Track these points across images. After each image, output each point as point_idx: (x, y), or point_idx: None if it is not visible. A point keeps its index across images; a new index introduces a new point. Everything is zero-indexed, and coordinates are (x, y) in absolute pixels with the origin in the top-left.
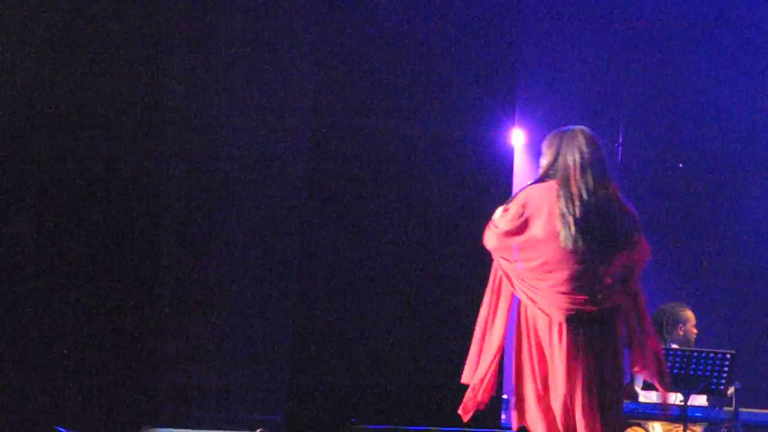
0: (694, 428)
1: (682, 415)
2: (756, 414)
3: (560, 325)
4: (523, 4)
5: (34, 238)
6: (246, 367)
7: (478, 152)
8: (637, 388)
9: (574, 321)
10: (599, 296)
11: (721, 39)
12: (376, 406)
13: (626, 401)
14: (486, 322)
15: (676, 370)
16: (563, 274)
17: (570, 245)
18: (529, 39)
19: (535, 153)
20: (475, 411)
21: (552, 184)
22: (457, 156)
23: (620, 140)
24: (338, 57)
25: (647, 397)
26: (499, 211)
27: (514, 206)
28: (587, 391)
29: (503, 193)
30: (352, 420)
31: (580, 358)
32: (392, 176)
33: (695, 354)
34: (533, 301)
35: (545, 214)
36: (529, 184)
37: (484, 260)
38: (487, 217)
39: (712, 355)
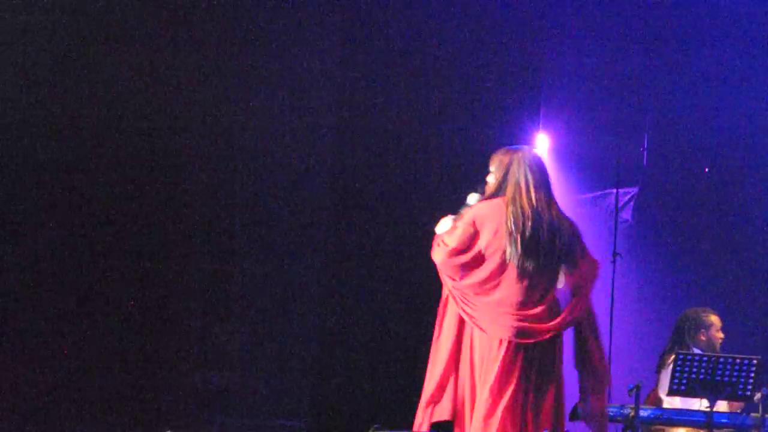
0: None
1: (707, 421)
2: None
3: (500, 342)
4: (549, 10)
5: (60, 244)
6: (269, 372)
7: None
8: (662, 395)
9: (519, 337)
10: (546, 314)
11: (749, 41)
12: (401, 412)
13: (650, 407)
14: (435, 340)
15: (702, 376)
16: (508, 290)
17: (516, 262)
18: (554, 44)
19: (561, 158)
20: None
21: (500, 202)
22: (482, 160)
23: (645, 145)
24: (364, 62)
25: (671, 403)
26: (445, 223)
27: (462, 224)
28: (511, 409)
29: None
30: (376, 426)
31: (514, 376)
32: (418, 182)
33: (721, 360)
34: (471, 317)
35: (492, 231)
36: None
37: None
38: None
39: (738, 360)
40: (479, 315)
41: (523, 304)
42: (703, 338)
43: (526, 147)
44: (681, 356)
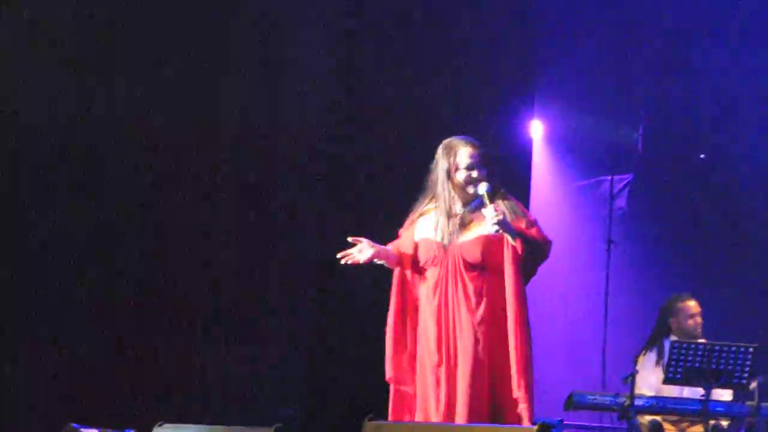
0: (720, 422)
1: (703, 409)
2: None
3: None
4: None
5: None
6: (263, 362)
7: (496, 144)
8: (643, 388)
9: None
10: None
11: (744, 28)
12: None
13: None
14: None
15: (697, 364)
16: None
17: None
18: (548, 31)
19: (555, 145)
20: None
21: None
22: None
23: (640, 131)
24: (356, 49)
25: (668, 391)
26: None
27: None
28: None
29: (522, 185)
30: (371, 416)
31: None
32: (411, 171)
33: (717, 347)
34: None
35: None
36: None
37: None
38: None
39: (734, 348)
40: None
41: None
42: (678, 325)
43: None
44: (677, 344)
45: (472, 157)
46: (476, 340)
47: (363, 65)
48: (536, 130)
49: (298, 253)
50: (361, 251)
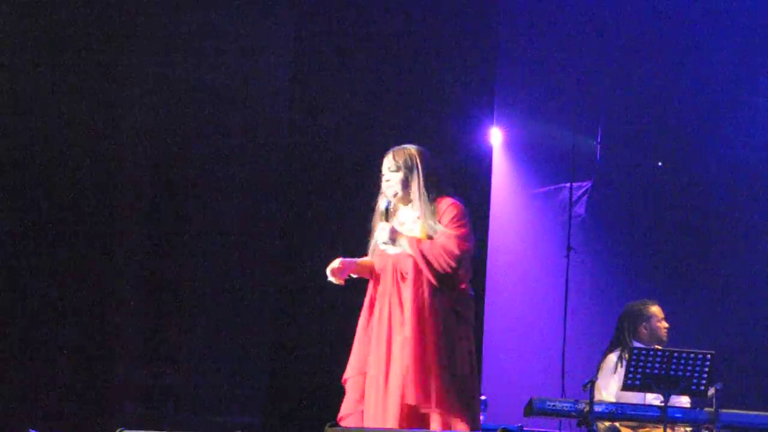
0: (678, 429)
1: (662, 416)
2: (737, 414)
3: None
4: (503, 3)
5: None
6: (224, 368)
7: (456, 151)
8: (603, 394)
9: None
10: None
11: (702, 35)
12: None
13: (605, 402)
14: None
15: (656, 371)
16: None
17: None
18: (508, 37)
19: (514, 152)
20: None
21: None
22: (435, 154)
23: (599, 139)
24: (315, 53)
25: (630, 397)
26: (383, 230)
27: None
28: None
29: (481, 192)
30: (331, 423)
31: None
32: (366, 176)
33: (675, 354)
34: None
35: None
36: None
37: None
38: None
39: (692, 355)
40: None
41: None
42: (644, 331)
43: (413, 146)
44: (636, 351)
45: (387, 164)
46: (401, 347)
47: (319, 71)
48: (495, 136)
49: (258, 257)
50: (332, 274)
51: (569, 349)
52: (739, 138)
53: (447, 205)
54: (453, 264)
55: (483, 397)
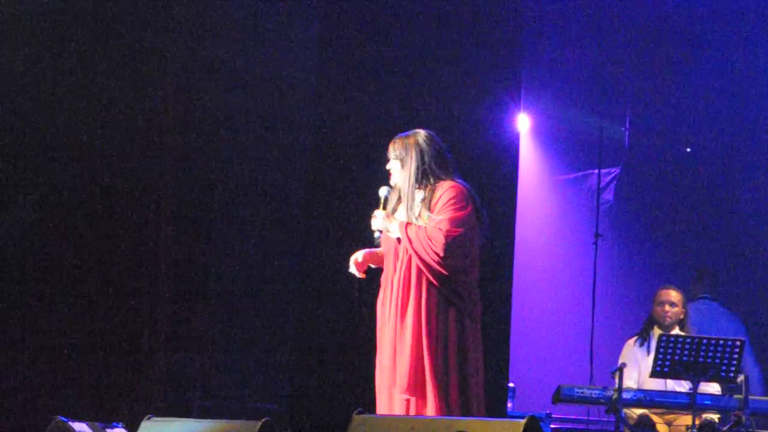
0: (710, 416)
1: (690, 402)
2: (766, 402)
3: None
4: None
5: (28, 225)
6: (251, 355)
7: (484, 137)
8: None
9: None
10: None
11: (728, 21)
12: None
13: (632, 389)
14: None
15: (686, 358)
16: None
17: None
18: (535, 23)
19: (542, 138)
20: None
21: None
22: (462, 141)
23: (627, 125)
24: (340, 45)
25: (653, 384)
26: (380, 218)
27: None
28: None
29: (509, 178)
30: (359, 410)
31: None
32: None
33: (704, 341)
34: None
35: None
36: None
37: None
38: (494, 202)
39: (722, 342)
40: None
41: None
42: (652, 313)
43: (421, 130)
44: (664, 338)
45: (388, 152)
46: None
47: (347, 57)
48: (523, 123)
49: (282, 247)
50: (355, 266)
51: (597, 336)
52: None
53: (444, 189)
54: (440, 253)
55: (511, 385)
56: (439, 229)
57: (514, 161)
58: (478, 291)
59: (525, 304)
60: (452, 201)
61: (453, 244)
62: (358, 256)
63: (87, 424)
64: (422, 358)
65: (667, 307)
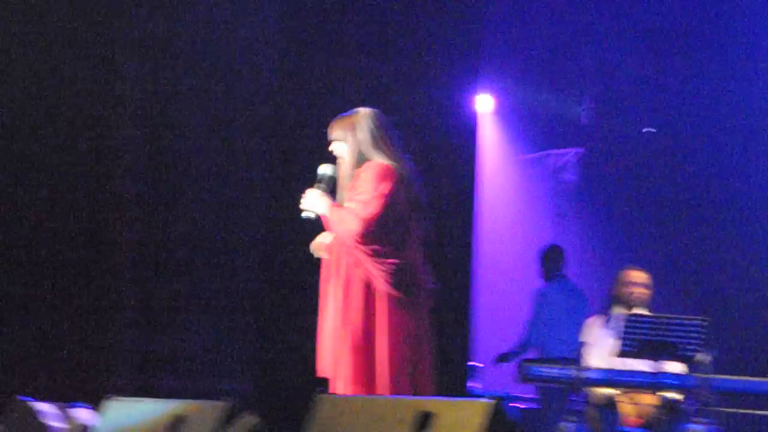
0: (674, 395)
1: (654, 382)
2: (729, 381)
3: None
4: None
5: None
6: (213, 335)
7: (442, 117)
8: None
9: None
10: None
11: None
12: None
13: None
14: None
15: (650, 337)
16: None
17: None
18: (494, 3)
19: (505, 117)
20: None
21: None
22: (421, 122)
23: (587, 105)
24: (300, 24)
25: (618, 364)
26: (313, 197)
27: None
28: None
29: (468, 158)
30: (320, 389)
31: None
32: None
33: (669, 320)
34: None
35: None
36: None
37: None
38: (450, 184)
39: (686, 321)
40: None
41: None
42: (615, 292)
43: (363, 108)
44: (632, 317)
45: (329, 134)
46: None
47: (306, 37)
48: (486, 103)
49: (248, 223)
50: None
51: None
52: (734, 103)
53: (366, 169)
54: (354, 235)
55: (479, 365)
56: (354, 211)
57: (473, 141)
58: (425, 274)
59: (488, 283)
60: (371, 181)
61: (368, 226)
62: (326, 238)
63: (49, 404)
64: (345, 339)
65: (639, 288)
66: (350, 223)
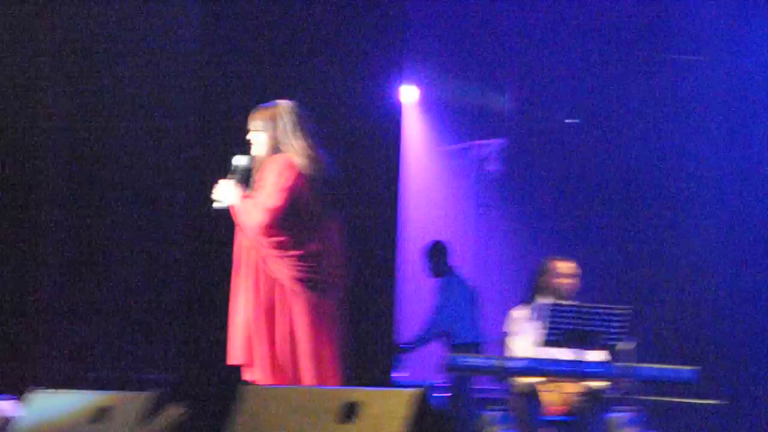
0: (597, 384)
1: (577, 370)
2: (653, 369)
3: None
4: None
5: None
6: (139, 325)
7: (365, 109)
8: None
9: None
10: None
11: None
12: None
13: (519, 357)
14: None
15: (572, 326)
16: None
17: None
18: None
19: (429, 108)
20: None
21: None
22: (344, 113)
23: (508, 95)
24: (222, 15)
25: (541, 353)
26: (227, 189)
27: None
28: None
29: (392, 149)
30: (243, 381)
31: None
32: None
33: (591, 310)
34: None
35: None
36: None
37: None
38: (374, 176)
39: (608, 310)
40: None
41: None
42: (545, 286)
43: (283, 101)
44: (556, 307)
45: (249, 123)
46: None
47: (229, 31)
48: (411, 94)
49: (168, 213)
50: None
51: (489, 305)
52: (659, 94)
53: (270, 162)
54: (255, 228)
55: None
56: (255, 204)
57: (398, 132)
58: (336, 267)
59: (413, 274)
60: (273, 175)
61: (272, 218)
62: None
63: None
64: (257, 331)
65: (567, 280)
66: (256, 214)
